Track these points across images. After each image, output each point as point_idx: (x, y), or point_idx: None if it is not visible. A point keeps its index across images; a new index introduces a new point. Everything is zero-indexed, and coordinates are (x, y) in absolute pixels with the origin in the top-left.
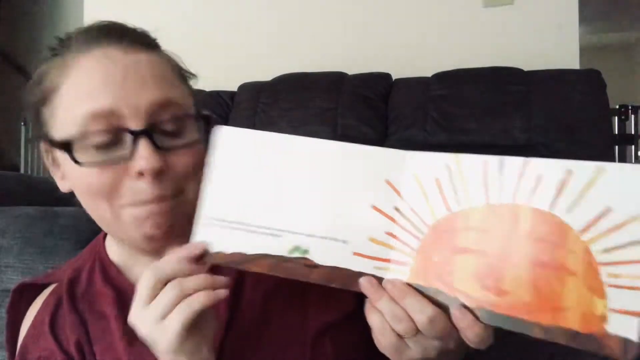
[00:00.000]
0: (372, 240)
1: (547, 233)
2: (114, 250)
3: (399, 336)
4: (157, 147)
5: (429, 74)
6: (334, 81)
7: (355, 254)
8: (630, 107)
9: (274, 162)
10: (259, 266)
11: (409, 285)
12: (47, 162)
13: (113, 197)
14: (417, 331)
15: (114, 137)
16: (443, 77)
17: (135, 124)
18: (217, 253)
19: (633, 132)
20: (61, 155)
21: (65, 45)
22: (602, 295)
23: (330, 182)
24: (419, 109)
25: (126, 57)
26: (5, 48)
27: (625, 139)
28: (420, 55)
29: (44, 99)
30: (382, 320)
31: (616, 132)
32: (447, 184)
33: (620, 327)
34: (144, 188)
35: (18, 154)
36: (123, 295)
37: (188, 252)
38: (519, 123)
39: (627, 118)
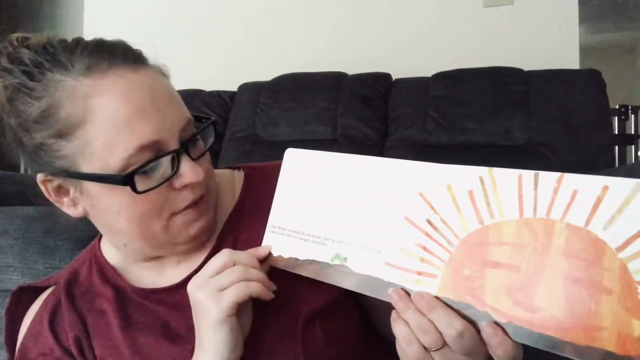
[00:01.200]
0: (403, 251)
1: (582, 249)
2: (112, 255)
3: (425, 348)
4: (193, 159)
5: (429, 74)
6: (334, 81)
7: (387, 264)
8: (630, 107)
9: (325, 177)
10: (307, 271)
11: (438, 298)
12: (47, 193)
13: (163, 211)
14: (444, 344)
15: (153, 157)
16: (443, 77)
17: (173, 145)
18: (278, 256)
19: (633, 132)
20: (96, 186)
21: (55, 62)
22: None
23: (368, 193)
24: (419, 109)
25: (139, 78)
26: None
27: (625, 139)
28: (420, 55)
29: (64, 132)
30: (408, 330)
31: (616, 132)
32: (480, 197)
33: None
34: (187, 196)
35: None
36: (121, 293)
37: (258, 253)
38: (519, 123)
39: (627, 118)
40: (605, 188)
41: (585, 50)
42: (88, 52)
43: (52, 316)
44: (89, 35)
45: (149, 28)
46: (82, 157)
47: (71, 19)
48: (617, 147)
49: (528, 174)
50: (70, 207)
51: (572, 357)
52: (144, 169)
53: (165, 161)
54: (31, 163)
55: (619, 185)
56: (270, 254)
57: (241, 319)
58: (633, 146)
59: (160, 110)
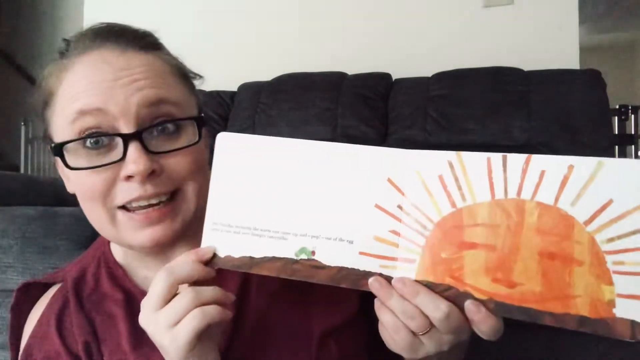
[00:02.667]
0: (377, 239)
1: (553, 226)
2: (119, 252)
3: (413, 333)
4: (148, 150)
5: (429, 74)
6: (334, 81)
7: (361, 253)
8: (630, 107)
9: (276, 165)
10: (267, 269)
11: (418, 282)
12: (59, 168)
13: (107, 199)
14: (431, 327)
15: (108, 140)
16: (443, 77)
17: (126, 126)
18: (226, 257)
19: (633, 132)
20: (57, 159)
21: (68, 47)
22: (609, 282)
23: (333, 182)
24: (419, 109)
25: (120, 58)
26: (5, 48)
27: (625, 139)
28: (420, 55)
29: (45, 103)
30: (395, 318)
31: (616, 132)
32: (451, 181)
33: (627, 311)
34: (135, 188)
35: (18, 154)
36: (131, 298)
37: (198, 256)
38: (519, 123)
39: (627, 118)
40: (571, 167)
41: (585, 50)
42: (84, 34)
43: (60, 318)
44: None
45: (149, 28)
46: (52, 127)
47: (71, 19)
48: (617, 147)
49: (496, 157)
50: (66, 181)
51: (551, 325)
52: (84, 144)
53: (119, 145)
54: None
55: (583, 164)
56: (215, 255)
57: (211, 339)
58: (633, 146)
59: (118, 85)
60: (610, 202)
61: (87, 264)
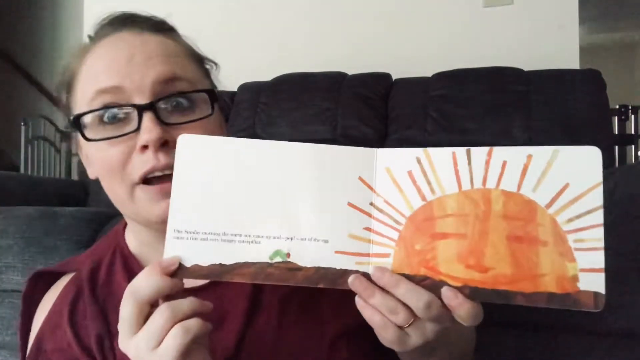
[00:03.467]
0: (352, 236)
1: (518, 211)
2: (132, 242)
3: (399, 327)
4: (162, 121)
5: (429, 74)
6: (334, 81)
7: (336, 252)
8: (630, 107)
9: (243, 167)
10: (240, 276)
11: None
12: (80, 154)
13: (125, 173)
14: (415, 318)
15: (123, 114)
16: (443, 77)
17: (140, 99)
18: (193, 266)
19: (633, 132)
20: (80, 139)
21: (88, 38)
22: (572, 259)
23: (305, 183)
24: (419, 109)
25: (135, 38)
26: (5, 48)
27: (625, 139)
28: (420, 55)
29: (67, 86)
30: (380, 316)
31: (616, 132)
32: (420, 176)
33: (590, 283)
34: (150, 158)
35: (18, 154)
36: None
37: (162, 269)
38: (519, 123)
39: (627, 118)
40: (530, 156)
41: (585, 50)
42: (105, 21)
43: (72, 308)
44: (87, 32)
45: None
46: (72, 107)
47: (71, 19)
48: (617, 147)
49: (460, 151)
50: (88, 166)
51: (523, 304)
52: (101, 118)
53: (134, 117)
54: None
55: (540, 153)
56: (180, 265)
57: (196, 355)
58: (633, 146)
59: (133, 63)
60: (567, 185)
61: (101, 254)
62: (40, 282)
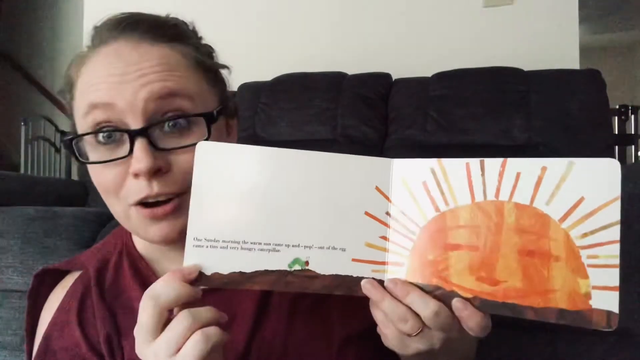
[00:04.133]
0: (368, 245)
1: (530, 224)
2: (140, 242)
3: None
4: (156, 147)
5: (429, 74)
6: (334, 81)
7: (353, 260)
8: (630, 107)
9: (262, 176)
10: (260, 284)
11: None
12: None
13: (120, 195)
14: (423, 327)
15: (119, 135)
16: (443, 77)
17: (134, 122)
18: (214, 274)
19: (633, 132)
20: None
21: (89, 42)
22: (585, 275)
23: (323, 192)
24: (419, 109)
25: (133, 52)
26: (5, 48)
27: (625, 139)
28: (420, 55)
29: (67, 94)
30: (385, 317)
31: (616, 132)
32: (434, 187)
33: (602, 302)
34: (144, 186)
35: (18, 154)
36: None
37: (183, 276)
38: (519, 123)
39: (627, 118)
40: (544, 169)
41: (585, 50)
42: (104, 25)
43: (81, 308)
44: (88, 30)
45: None
46: (75, 120)
47: (71, 20)
48: (617, 147)
49: (474, 162)
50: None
51: (533, 319)
52: (96, 138)
53: (127, 140)
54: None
55: (555, 165)
56: (201, 274)
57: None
58: (633, 146)
59: (126, 79)
60: (582, 199)
61: (108, 253)
62: (46, 280)
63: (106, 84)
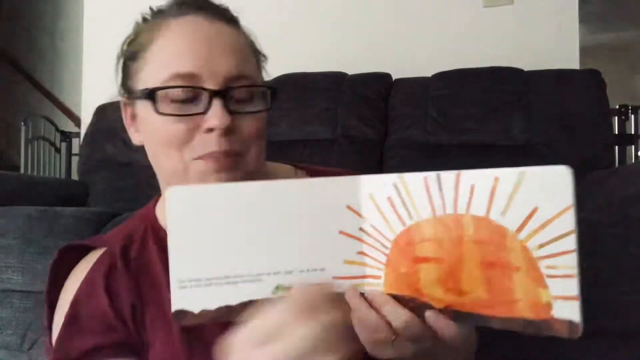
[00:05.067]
0: (347, 262)
1: (488, 236)
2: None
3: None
4: (228, 109)
5: (429, 74)
6: (334, 81)
7: (334, 277)
8: (630, 107)
9: (235, 211)
10: (246, 314)
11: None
12: (125, 116)
13: (185, 149)
14: (396, 336)
15: (192, 94)
16: (443, 77)
17: (212, 86)
18: (201, 312)
19: (633, 132)
20: (141, 107)
21: (157, 13)
22: (544, 285)
23: (296, 218)
24: (419, 109)
25: (211, 26)
26: (5, 48)
27: (625, 139)
28: (420, 55)
29: (134, 55)
30: (360, 324)
31: (616, 132)
32: (398, 202)
33: (563, 311)
34: (213, 141)
35: (18, 154)
36: None
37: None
38: (519, 123)
39: (627, 118)
40: (496, 179)
41: (585, 50)
42: (174, 5)
43: (107, 279)
44: (88, 30)
45: None
46: (138, 78)
47: (71, 20)
48: (617, 147)
49: (432, 176)
50: (134, 134)
51: (500, 329)
52: (172, 96)
53: (203, 100)
54: (121, 89)
55: (507, 176)
56: (188, 313)
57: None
58: (633, 146)
59: (210, 51)
60: (535, 209)
61: (133, 231)
62: (70, 254)
63: (191, 55)
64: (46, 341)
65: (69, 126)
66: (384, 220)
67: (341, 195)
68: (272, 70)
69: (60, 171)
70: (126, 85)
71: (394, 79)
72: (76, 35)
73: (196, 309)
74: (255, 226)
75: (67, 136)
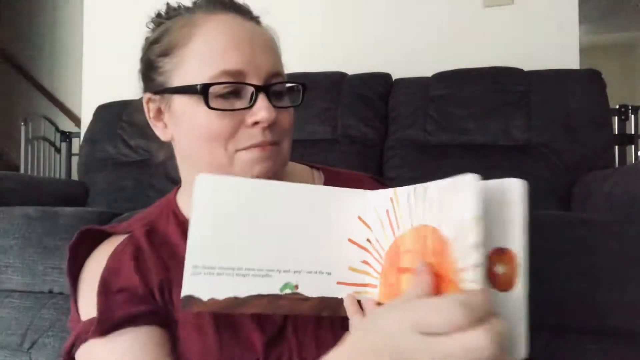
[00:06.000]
0: (351, 269)
1: (439, 248)
2: (187, 206)
3: None
4: (272, 104)
5: (429, 74)
6: (334, 81)
7: (338, 282)
8: (630, 107)
9: (257, 206)
10: (254, 307)
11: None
12: (148, 113)
13: (229, 142)
14: None
15: (235, 89)
16: (443, 77)
17: (256, 82)
18: (210, 300)
19: (633, 132)
20: (180, 103)
21: (187, 10)
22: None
23: (311, 221)
24: (419, 109)
25: (247, 24)
26: (6, 48)
27: (625, 139)
28: (420, 55)
29: (168, 51)
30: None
31: (616, 132)
32: (392, 214)
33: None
34: (258, 134)
35: (18, 154)
36: None
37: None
38: (519, 123)
39: (627, 118)
40: (443, 189)
41: (585, 50)
42: (203, 3)
43: (136, 260)
44: (88, 30)
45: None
46: (176, 74)
47: (71, 20)
48: (617, 147)
49: (412, 189)
50: (162, 129)
51: None
52: (217, 92)
53: (246, 95)
54: (143, 82)
55: (430, 187)
56: (197, 300)
57: None
58: (633, 146)
59: (254, 49)
60: (454, 221)
61: (155, 218)
62: (88, 238)
63: (237, 52)
64: (75, 315)
65: (69, 126)
66: (382, 232)
67: (354, 206)
68: None
69: (60, 171)
70: (154, 81)
71: (394, 79)
72: (76, 36)
73: (205, 297)
74: (272, 223)
75: (67, 136)
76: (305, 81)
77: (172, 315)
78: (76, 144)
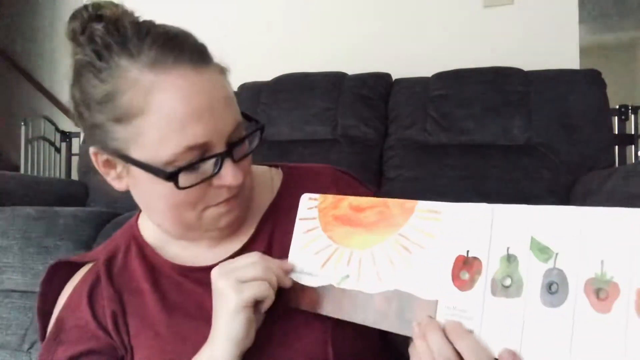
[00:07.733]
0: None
1: None
2: (150, 232)
3: None
4: (235, 161)
5: (429, 74)
6: (334, 81)
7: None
8: (630, 107)
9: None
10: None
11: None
12: (97, 164)
13: (198, 204)
14: None
15: (200, 159)
16: (443, 77)
17: (220, 148)
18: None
19: (633, 132)
20: (141, 173)
21: (124, 48)
22: None
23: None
24: (419, 109)
25: (202, 79)
26: (6, 48)
27: (625, 139)
28: (420, 55)
29: (121, 119)
30: (428, 350)
31: (616, 132)
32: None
33: None
34: (224, 192)
35: (18, 154)
36: (157, 272)
37: (285, 266)
38: (519, 123)
39: (627, 118)
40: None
41: (585, 50)
42: (157, 46)
43: (91, 291)
44: None
45: None
46: (134, 144)
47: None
48: (617, 147)
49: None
50: (115, 180)
51: None
52: (180, 164)
53: (210, 161)
54: (87, 136)
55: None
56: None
57: (256, 314)
58: (633, 146)
59: (214, 114)
60: None
61: (117, 245)
62: (60, 271)
63: (198, 125)
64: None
65: (69, 126)
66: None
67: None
68: (272, 71)
69: (60, 171)
70: (104, 142)
71: (394, 79)
72: None
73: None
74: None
75: (67, 136)
76: (261, 121)
77: (128, 343)
78: (76, 144)
